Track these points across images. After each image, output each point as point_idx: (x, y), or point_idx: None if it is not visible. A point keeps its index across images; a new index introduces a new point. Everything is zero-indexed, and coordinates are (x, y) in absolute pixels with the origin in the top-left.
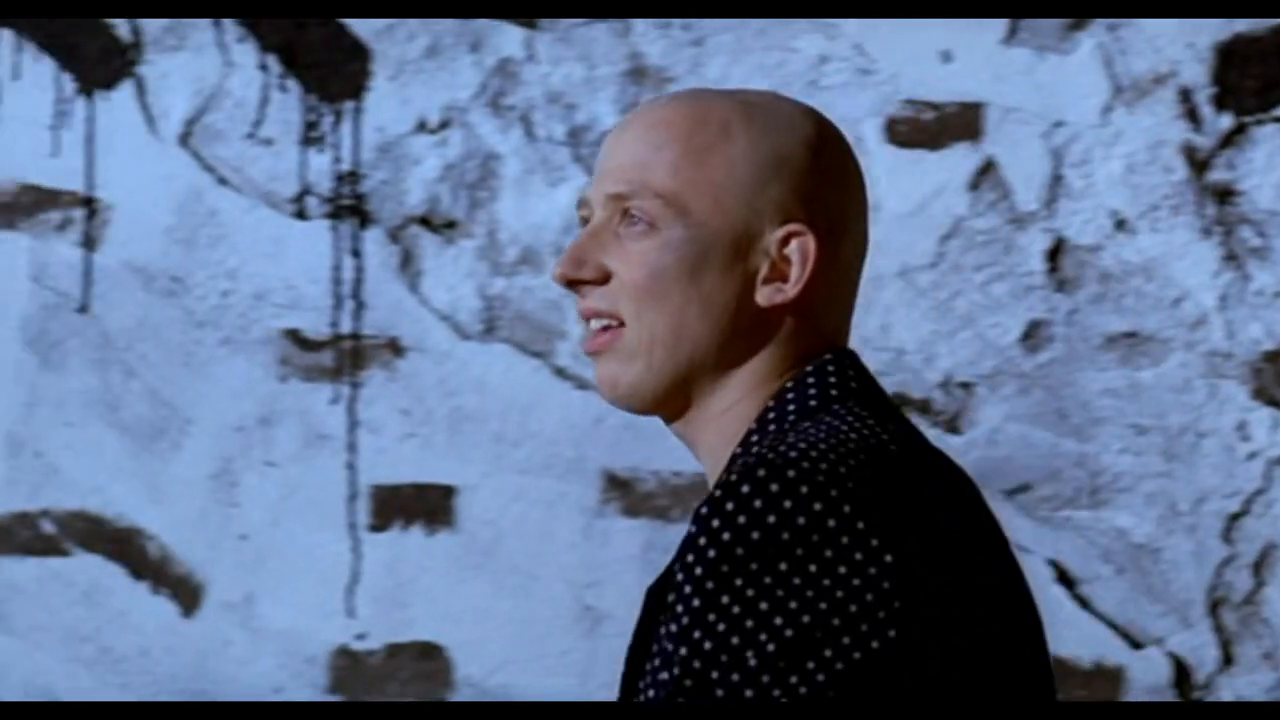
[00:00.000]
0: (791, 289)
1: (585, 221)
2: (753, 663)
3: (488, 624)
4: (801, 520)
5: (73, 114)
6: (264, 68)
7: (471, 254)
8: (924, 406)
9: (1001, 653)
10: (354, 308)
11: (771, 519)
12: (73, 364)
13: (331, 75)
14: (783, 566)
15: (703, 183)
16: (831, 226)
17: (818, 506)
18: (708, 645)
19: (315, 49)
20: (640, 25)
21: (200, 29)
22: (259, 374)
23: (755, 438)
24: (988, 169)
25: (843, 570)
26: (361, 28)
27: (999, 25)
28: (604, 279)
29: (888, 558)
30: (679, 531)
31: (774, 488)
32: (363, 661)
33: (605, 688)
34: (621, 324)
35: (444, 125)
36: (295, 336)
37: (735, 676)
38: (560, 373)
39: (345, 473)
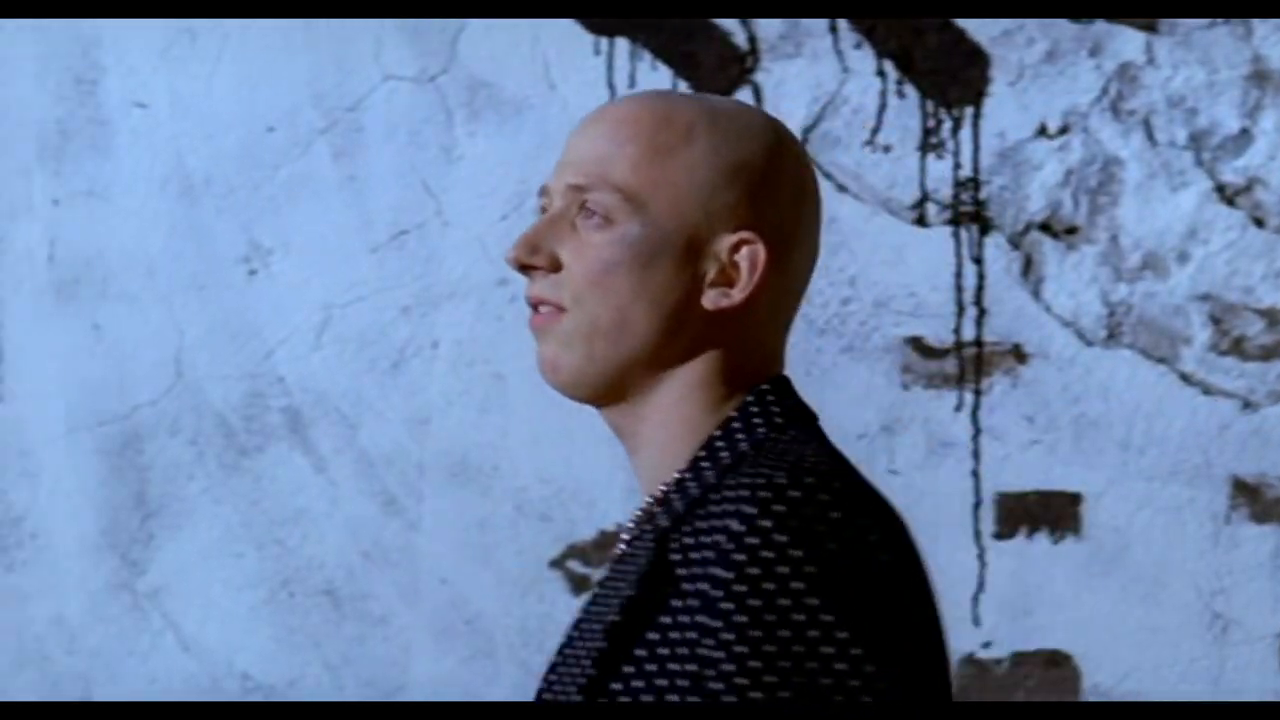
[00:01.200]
0: (737, 294)
1: (545, 210)
2: (811, 664)
3: (1115, 631)
4: (850, 534)
5: None
6: (881, 74)
7: (1093, 260)
8: None
9: (938, 674)
10: (976, 314)
11: (822, 528)
12: None
13: (950, 81)
14: (820, 585)
15: (661, 182)
16: (783, 237)
17: (863, 521)
18: (743, 663)
19: (933, 54)
20: (1262, 27)
21: (816, 36)
22: (881, 381)
23: (711, 463)
24: None
25: (872, 587)
26: (979, 33)
27: None
28: (555, 267)
29: (898, 582)
30: None
31: (823, 497)
32: (989, 670)
33: (1235, 694)
34: (563, 309)
35: (1064, 130)
36: (917, 344)
37: (795, 681)
38: (1185, 379)
39: (970, 480)
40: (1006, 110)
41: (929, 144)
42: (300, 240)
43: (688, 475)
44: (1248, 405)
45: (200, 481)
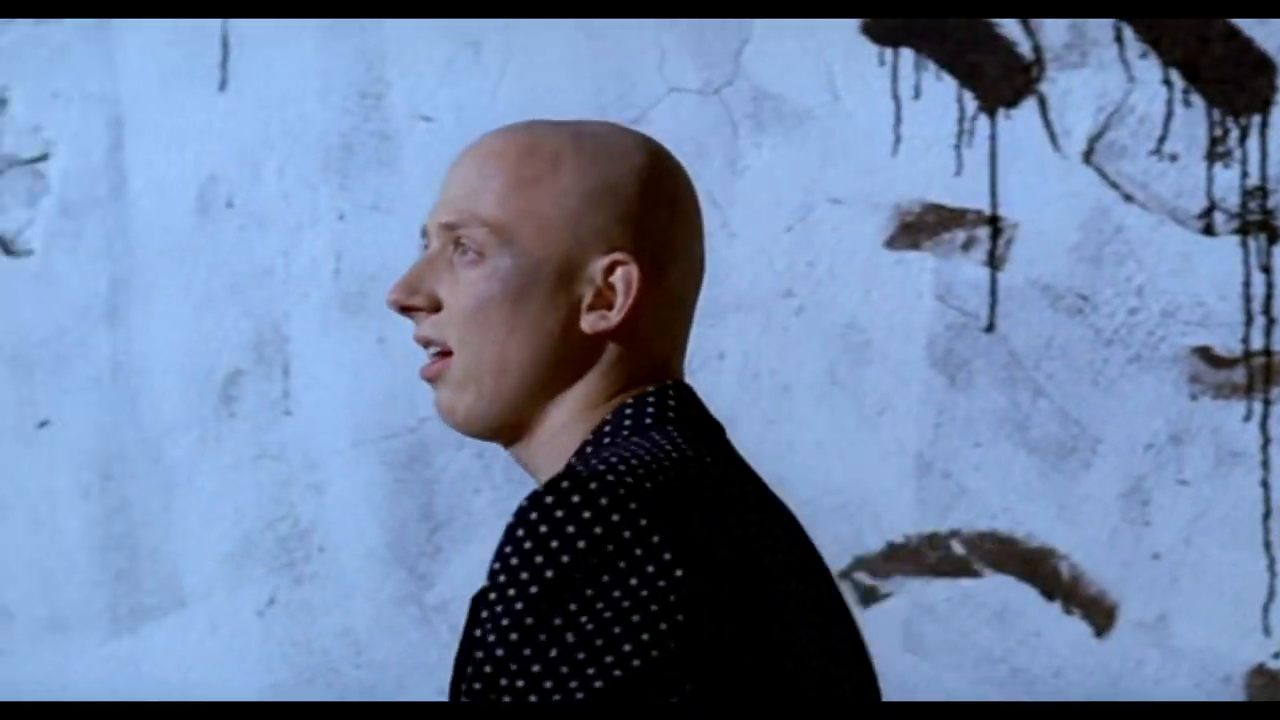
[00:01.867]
0: (615, 316)
1: (426, 249)
2: (536, 668)
3: None
4: (598, 531)
5: (975, 133)
6: (1167, 83)
7: None
8: None
9: (798, 670)
10: (1265, 324)
11: (571, 529)
12: (980, 383)
13: (1236, 89)
14: (577, 576)
15: (529, 213)
16: (657, 255)
17: (615, 518)
18: (499, 653)
19: (1219, 63)
20: None
21: (1102, 45)
22: (1169, 391)
23: (594, 449)
24: None
25: (633, 581)
26: (1267, 41)
27: None
28: (435, 307)
29: (678, 572)
30: None
31: (575, 499)
32: None
33: None
34: (449, 352)
35: None
36: (1206, 354)
37: (520, 683)
38: None
39: (1259, 490)
40: None
41: (1216, 153)
42: None
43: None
44: None
45: (487, 494)
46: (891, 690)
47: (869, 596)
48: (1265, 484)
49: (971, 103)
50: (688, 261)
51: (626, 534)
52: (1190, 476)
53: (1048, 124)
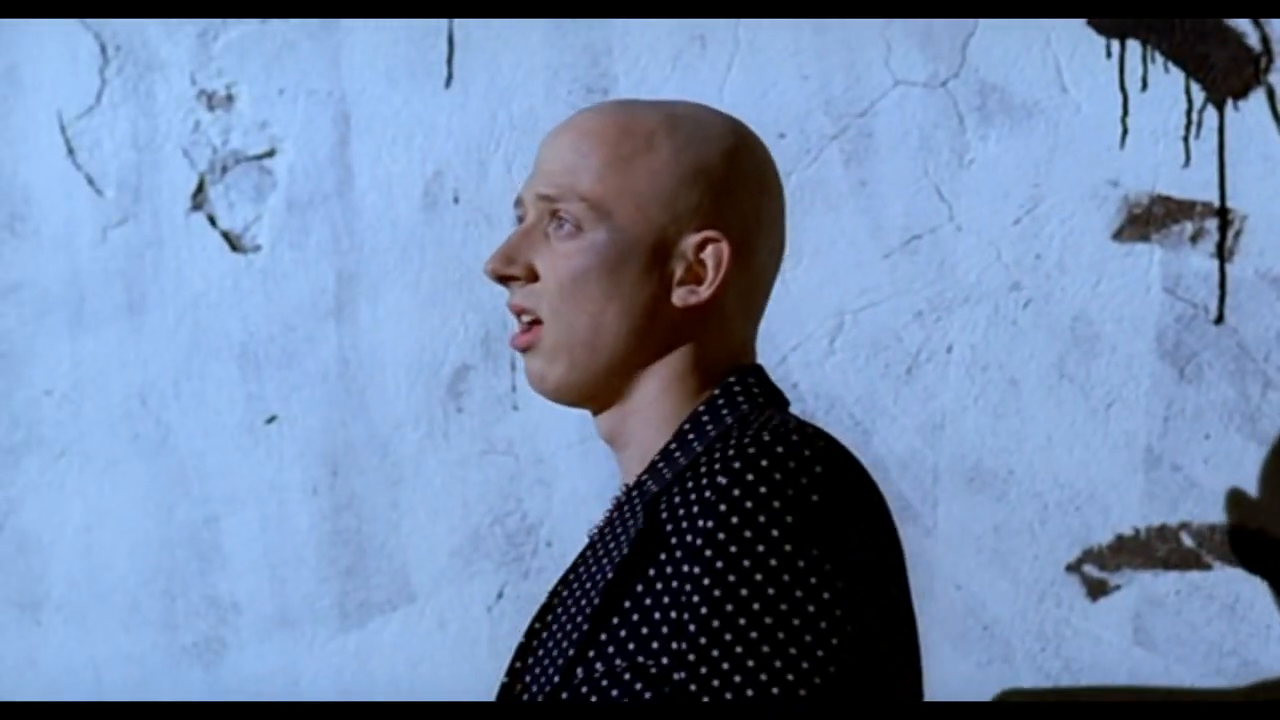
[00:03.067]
0: (705, 291)
1: (521, 220)
2: (766, 617)
3: None
4: (815, 498)
5: (1204, 124)
6: None
7: None
8: None
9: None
10: None
11: (791, 491)
12: (1209, 376)
13: None
14: (798, 538)
15: (626, 190)
16: (746, 234)
17: (842, 480)
18: (722, 597)
19: None
20: None
21: None
22: None
23: (695, 433)
24: None
25: (846, 543)
26: None
27: None
28: (532, 277)
29: (873, 541)
30: None
31: (791, 464)
32: None
33: None
34: (539, 321)
35: None
36: None
37: (743, 622)
38: None
39: None
40: None
41: None
42: (813, 246)
43: (674, 447)
44: None
45: None
46: (1121, 684)
47: (1098, 589)
48: None
49: (1199, 94)
50: (772, 242)
51: (847, 494)
52: None
53: (1276, 116)
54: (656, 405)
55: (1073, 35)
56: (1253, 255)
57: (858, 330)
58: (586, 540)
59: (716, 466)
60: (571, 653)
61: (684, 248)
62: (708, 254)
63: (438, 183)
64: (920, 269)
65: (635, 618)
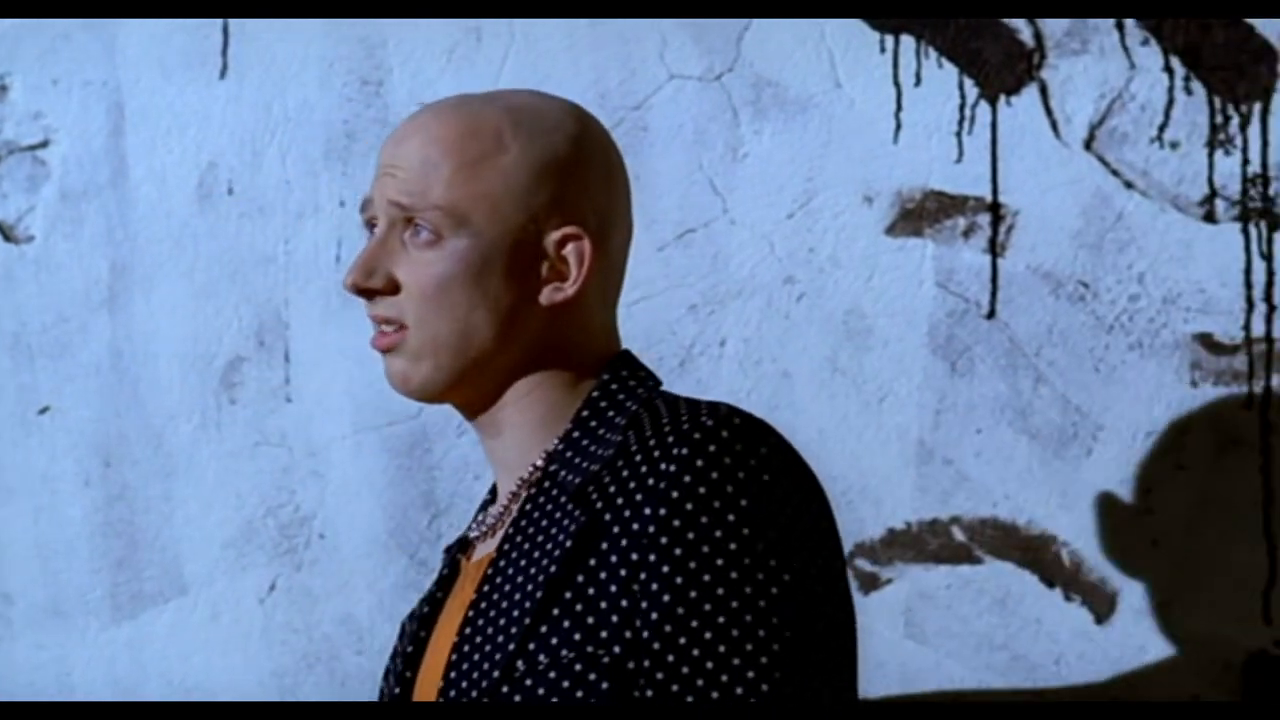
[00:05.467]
0: (570, 289)
1: (370, 223)
2: (721, 591)
3: None
4: (780, 462)
5: (977, 120)
6: (1169, 70)
7: None
8: None
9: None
10: (1266, 311)
11: (753, 461)
12: (981, 370)
13: (1238, 77)
14: (764, 506)
15: (480, 193)
16: (601, 223)
17: (784, 452)
18: (689, 574)
19: (1220, 50)
20: None
21: (1103, 33)
22: (1170, 379)
23: (596, 419)
24: None
25: (813, 506)
26: (1268, 29)
27: None
28: (393, 288)
29: (823, 504)
30: None
31: (752, 433)
32: None
33: None
34: (405, 327)
35: None
36: (1206, 341)
37: (706, 604)
38: None
39: (1260, 477)
40: None
41: (1217, 140)
42: None
43: (579, 436)
44: None
45: (487, 480)
46: (892, 677)
47: (869, 583)
48: (1265, 471)
49: (972, 90)
50: (624, 226)
51: (787, 468)
52: (1189, 463)
53: (1049, 111)
54: (532, 399)
55: (846, 30)
56: (1024, 250)
57: (632, 323)
58: (476, 532)
59: (658, 453)
60: (511, 647)
61: (545, 245)
62: (569, 251)
63: (212, 174)
64: (694, 262)
65: (579, 608)
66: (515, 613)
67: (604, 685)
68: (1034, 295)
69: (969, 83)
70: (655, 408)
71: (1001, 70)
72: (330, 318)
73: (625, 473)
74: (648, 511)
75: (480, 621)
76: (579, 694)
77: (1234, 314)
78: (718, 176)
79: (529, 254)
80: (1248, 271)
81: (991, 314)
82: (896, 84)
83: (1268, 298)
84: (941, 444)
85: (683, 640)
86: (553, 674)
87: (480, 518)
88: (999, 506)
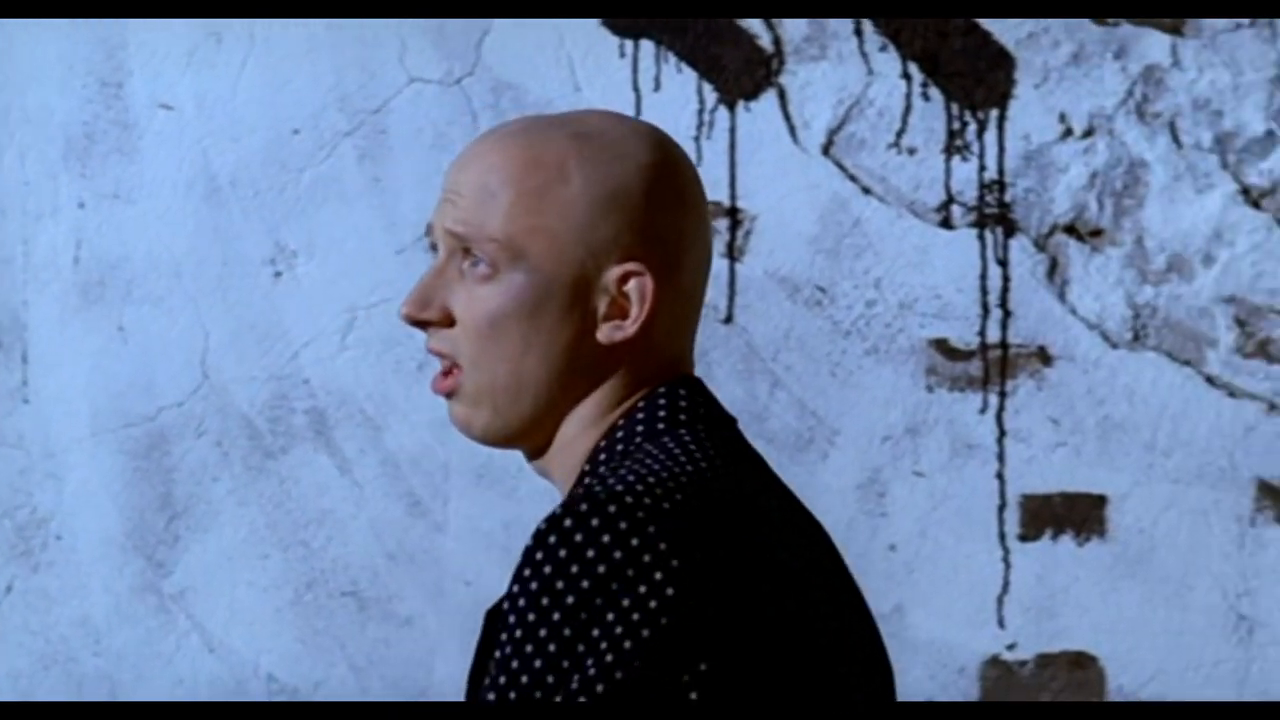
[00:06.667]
0: (631, 326)
1: (433, 245)
2: (553, 686)
3: (1140, 634)
4: (618, 555)
5: (715, 124)
6: (906, 76)
7: (1118, 262)
8: None
9: (827, 682)
10: (1001, 317)
11: (590, 553)
12: (718, 374)
13: (975, 83)
14: (597, 601)
15: (538, 227)
16: (668, 257)
17: (634, 543)
18: (515, 675)
19: (958, 57)
20: None
21: (842, 38)
22: (906, 383)
23: (590, 466)
24: None
25: (653, 605)
26: (1004, 35)
27: None
28: (448, 321)
29: (696, 595)
30: None
31: (594, 522)
32: (1014, 672)
33: (1261, 696)
34: (459, 367)
35: (1089, 133)
36: (943, 346)
37: (535, 696)
38: (1211, 381)
39: (994, 482)
40: (1031, 113)
41: (954, 146)
42: (325, 242)
43: (586, 471)
44: (1273, 408)
45: (225, 483)
46: None
47: None
48: (1000, 476)
49: (711, 95)
50: (697, 255)
51: (646, 558)
52: (926, 468)
53: (787, 117)
54: (577, 443)
55: (587, 35)
56: (762, 255)
57: (370, 327)
58: None
59: (540, 524)
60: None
61: (605, 282)
62: (631, 287)
63: None
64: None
65: (486, 679)
66: (473, 681)
67: None
68: (771, 300)
69: (708, 88)
70: (620, 451)
71: (740, 75)
72: (69, 319)
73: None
74: (513, 586)
75: (474, 664)
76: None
77: (970, 320)
78: None
79: (588, 291)
80: (984, 277)
81: (729, 319)
82: (636, 88)
83: (1003, 303)
84: None
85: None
86: None
87: None
88: None
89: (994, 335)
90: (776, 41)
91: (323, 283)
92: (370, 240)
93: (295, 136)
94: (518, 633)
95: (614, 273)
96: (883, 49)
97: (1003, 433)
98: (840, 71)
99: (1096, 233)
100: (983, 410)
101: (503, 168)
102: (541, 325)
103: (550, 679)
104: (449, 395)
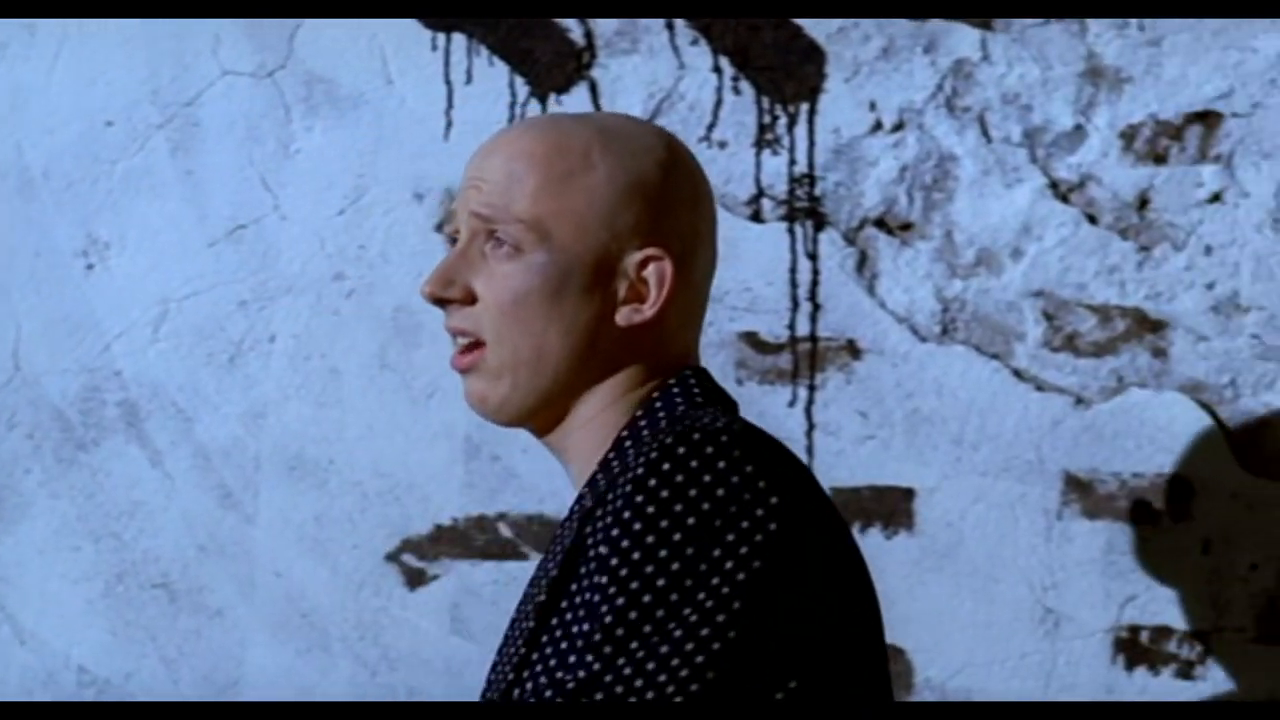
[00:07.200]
0: (649, 310)
1: (452, 237)
2: (661, 613)
3: (948, 626)
4: (735, 480)
5: (527, 117)
6: (717, 70)
7: (928, 256)
8: None
9: (877, 622)
10: (811, 310)
11: (707, 478)
12: None
13: (786, 78)
14: (716, 523)
15: (564, 209)
16: (685, 247)
17: (749, 469)
18: (638, 589)
19: (769, 51)
20: (1096, 25)
21: (653, 32)
22: (716, 376)
23: (630, 438)
24: None
25: (759, 538)
26: (815, 29)
27: None
28: (470, 299)
29: (796, 527)
30: (1140, 533)
31: (709, 450)
32: None
33: (1067, 689)
34: (481, 343)
35: (899, 127)
36: (752, 339)
37: (645, 626)
38: (1019, 374)
39: None
40: (842, 107)
41: (765, 140)
42: (138, 235)
43: (612, 458)
44: (1080, 401)
45: (37, 475)
46: (438, 673)
47: (416, 579)
48: (810, 469)
49: (523, 88)
50: (708, 252)
51: (761, 484)
52: None
53: (598, 110)
54: (598, 421)
55: (399, 28)
56: None
57: (182, 318)
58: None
59: (625, 474)
60: (511, 676)
61: (625, 266)
62: (650, 272)
63: None
64: (244, 258)
65: (559, 633)
66: (520, 641)
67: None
68: None
69: (520, 81)
70: (672, 422)
71: (552, 69)
72: None
73: (611, 494)
74: (602, 533)
75: (504, 647)
76: None
77: (779, 313)
78: (269, 173)
79: (609, 273)
80: (793, 271)
81: None
82: (448, 82)
83: (812, 297)
84: (489, 441)
85: (621, 661)
86: (533, 700)
87: None
88: (545, 503)
89: (803, 329)
90: (588, 35)
91: (135, 275)
92: (183, 232)
93: (108, 129)
94: (635, 554)
95: (635, 257)
96: (694, 43)
97: (812, 426)
98: (651, 65)
99: (906, 226)
100: (792, 403)
101: (529, 154)
102: (564, 304)
103: (674, 597)
104: (468, 371)
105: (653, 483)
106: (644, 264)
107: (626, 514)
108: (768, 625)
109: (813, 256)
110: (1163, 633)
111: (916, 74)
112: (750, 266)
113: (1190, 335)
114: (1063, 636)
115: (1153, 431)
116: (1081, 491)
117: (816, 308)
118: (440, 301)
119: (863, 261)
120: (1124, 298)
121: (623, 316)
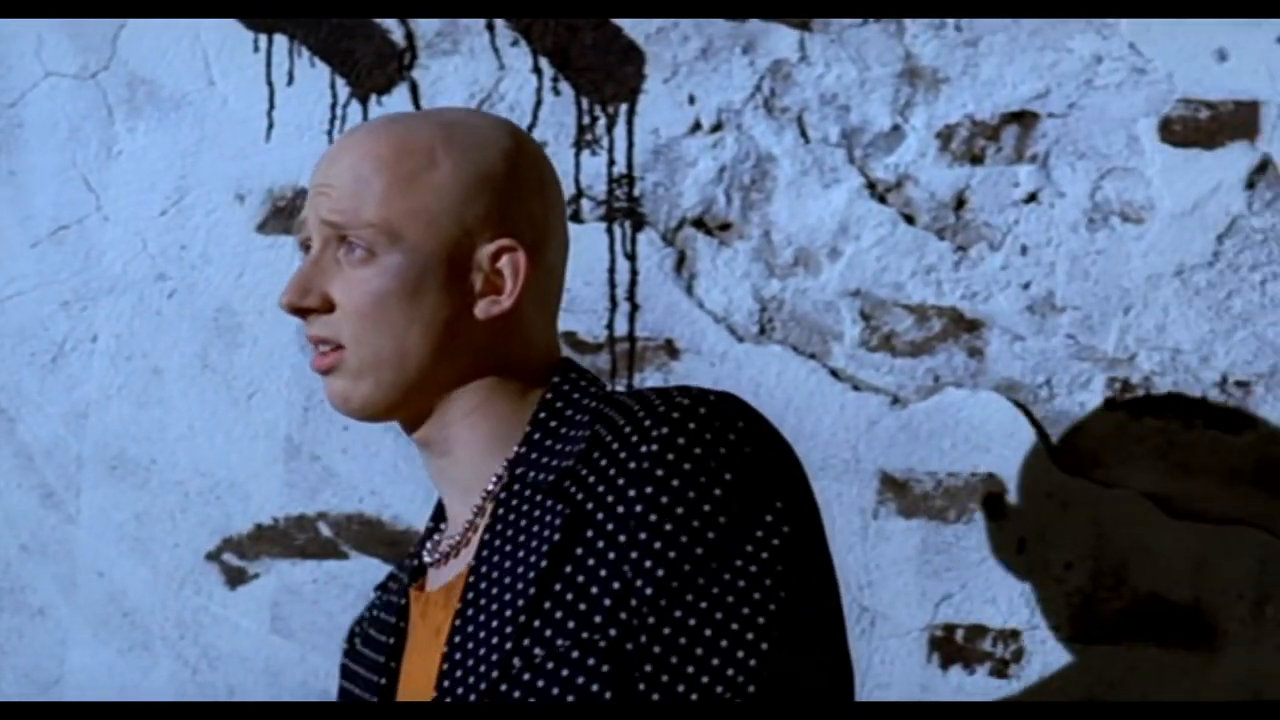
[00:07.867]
0: (507, 301)
1: (304, 245)
2: (733, 548)
3: None
4: (762, 431)
5: (348, 119)
6: (537, 71)
7: (746, 256)
8: (1201, 406)
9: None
10: (629, 310)
11: (733, 436)
12: None
13: (605, 78)
14: (754, 476)
15: (414, 209)
16: (536, 236)
17: (767, 429)
18: (686, 542)
19: (588, 52)
20: (913, 26)
21: (474, 33)
22: None
23: (551, 419)
24: (1265, 167)
25: (792, 485)
26: (635, 30)
27: (1275, 23)
28: (328, 307)
29: (802, 477)
30: (955, 532)
31: (725, 407)
32: None
33: (881, 689)
34: (341, 346)
35: (718, 127)
36: (571, 339)
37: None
38: (836, 374)
39: None
40: (661, 107)
41: (584, 140)
42: None
43: (541, 439)
44: (896, 401)
45: None
46: (258, 672)
47: (237, 578)
48: None
49: (344, 89)
50: (559, 235)
51: (777, 441)
52: None
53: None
54: (481, 412)
55: (222, 29)
56: None
57: (4, 318)
58: (431, 559)
59: (636, 438)
60: (509, 645)
61: (479, 259)
62: (504, 263)
63: None
64: (67, 258)
65: (570, 597)
66: (508, 613)
67: (604, 668)
68: None
69: (341, 82)
70: (619, 401)
71: (373, 70)
72: None
73: (603, 461)
74: (633, 493)
75: (470, 628)
76: (580, 680)
77: (598, 313)
78: (92, 173)
79: (464, 268)
80: (612, 271)
81: None
82: (269, 83)
83: (631, 297)
84: (309, 440)
85: (679, 613)
86: (551, 664)
87: (433, 543)
88: (365, 502)
89: (622, 328)
90: (409, 36)
91: None
92: (5, 233)
93: None
94: (679, 509)
95: (488, 249)
96: (514, 44)
97: None
98: (472, 66)
99: (725, 226)
100: None
101: (375, 156)
102: (422, 303)
103: (733, 544)
104: (328, 371)
105: (681, 441)
106: (497, 255)
107: (659, 472)
108: (806, 580)
109: (631, 257)
110: (978, 631)
111: (735, 74)
112: (570, 266)
113: (1006, 335)
114: (878, 635)
115: (968, 431)
116: (897, 491)
117: (635, 308)
118: (299, 311)
119: (681, 261)
120: (940, 297)
121: (481, 309)
